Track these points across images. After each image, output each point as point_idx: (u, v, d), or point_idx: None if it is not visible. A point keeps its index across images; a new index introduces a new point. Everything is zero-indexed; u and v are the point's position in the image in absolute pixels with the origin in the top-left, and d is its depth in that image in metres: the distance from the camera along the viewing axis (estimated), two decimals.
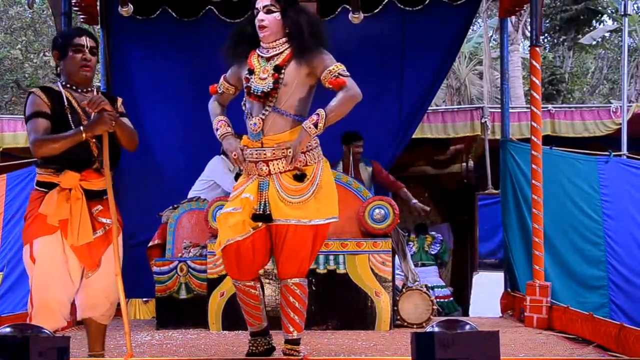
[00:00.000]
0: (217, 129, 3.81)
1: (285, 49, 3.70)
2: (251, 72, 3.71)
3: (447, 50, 7.14)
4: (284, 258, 3.70)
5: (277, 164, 3.65)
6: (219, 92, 3.93)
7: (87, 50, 3.50)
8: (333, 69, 3.64)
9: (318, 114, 3.59)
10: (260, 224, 3.67)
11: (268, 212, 3.63)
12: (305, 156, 3.67)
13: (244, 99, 3.79)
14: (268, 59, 3.71)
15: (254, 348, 3.85)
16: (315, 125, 3.58)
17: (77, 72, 3.51)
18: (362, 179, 6.88)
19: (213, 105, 3.94)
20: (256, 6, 3.70)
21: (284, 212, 3.62)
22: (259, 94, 3.65)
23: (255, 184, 3.68)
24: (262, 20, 3.66)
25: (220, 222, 3.77)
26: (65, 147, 3.37)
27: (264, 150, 3.65)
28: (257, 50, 3.77)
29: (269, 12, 3.66)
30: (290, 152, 3.59)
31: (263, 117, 3.65)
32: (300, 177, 3.65)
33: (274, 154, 3.64)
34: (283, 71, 3.65)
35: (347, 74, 3.66)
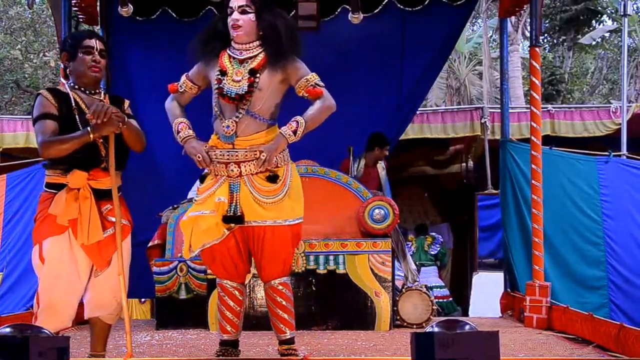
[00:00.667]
0: (177, 132, 3.72)
1: (259, 52, 3.67)
2: (223, 73, 3.66)
3: (446, 50, 7.18)
4: (267, 260, 3.67)
5: (249, 166, 3.61)
6: (180, 90, 3.85)
7: (96, 52, 3.53)
8: (310, 78, 3.65)
9: (297, 122, 3.58)
10: (233, 225, 3.63)
11: (239, 214, 3.60)
12: (276, 157, 3.64)
13: (216, 101, 3.71)
14: (241, 61, 3.66)
15: (223, 357, 3.74)
16: (294, 132, 3.58)
17: (86, 73, 3.52)
18: (380, 178, 6.93)
19: (172, 105, 3.84)
20: (230, 5, 3.65)
21: (260, 214, 3.60)
22: (233, 96, 3.61)
23: (226, 186, 3.64)
24: (237, 20, 3.61)
25: (188, 225, 3.68)
26: (73, 148, 3.38)
27: (236, 151, 3.62)
28: (227, 51, 3.71)
29: (243, 12, 3.62)
30: (263, 156, 3.56)
31: (237, 119, 3.62)
32: (273, 178, 3.63)
33: (246, 155, 3.61)
34: (258, 75, 3.63)
35: (322, 84, 3.68)
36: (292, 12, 6.68)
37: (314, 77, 3.65)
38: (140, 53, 7.10)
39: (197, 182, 6.30)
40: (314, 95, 3.63)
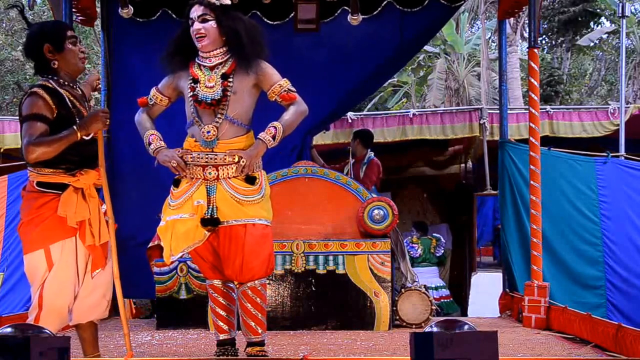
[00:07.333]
0: (149, 144, 3.75)
1: (228, 58, 3.72)
2: (195, 80, 3.71)
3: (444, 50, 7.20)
4: (248, 259, 3.66)
5: (227, 170, 3.66)
6: (150, 103, 3.88)
7: (79, 43, 3.51)
8: (283, 84, 3.73)
9: (275, 127, 3.66)
10: (212, 227, 3.67)
11: (216, 217, 3.64)
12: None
13: (192, 108, 3.73)
14: (212, 68, 3.71)
15: (224, 358, 3.77)
16: (274, 137, 3.65)
17: (77, 65, 3.48)
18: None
19: (142, 118, 3.87)
20: (190, 16, 3.69)
21: (240, 212, 3.64)
22: (209, 101, 3.65)
23: (203, 188, 3.68)
24: (200, 29, 3.65)
25: (167, 230, 3.70)
26: (60, 149, 3.29)
27: (215, 154, 3.66)
28: (196, 60, 3.75)
29: (204, 20, 3.65)
30: (243, 161, 3.62)
31: (217, 124, 3.66)
32: (251, 180, 3.69)
33: (224, 159, 3.66)
34: (230, 79, 3.68)
35: (294, 89, 3.76)
36: (292, 14, 6.73)
37: (286, 83, 3.75)
38: (141, 54, 7.09)
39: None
40: (288, 100, 3.73)
